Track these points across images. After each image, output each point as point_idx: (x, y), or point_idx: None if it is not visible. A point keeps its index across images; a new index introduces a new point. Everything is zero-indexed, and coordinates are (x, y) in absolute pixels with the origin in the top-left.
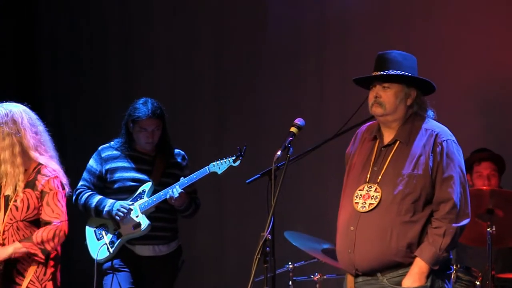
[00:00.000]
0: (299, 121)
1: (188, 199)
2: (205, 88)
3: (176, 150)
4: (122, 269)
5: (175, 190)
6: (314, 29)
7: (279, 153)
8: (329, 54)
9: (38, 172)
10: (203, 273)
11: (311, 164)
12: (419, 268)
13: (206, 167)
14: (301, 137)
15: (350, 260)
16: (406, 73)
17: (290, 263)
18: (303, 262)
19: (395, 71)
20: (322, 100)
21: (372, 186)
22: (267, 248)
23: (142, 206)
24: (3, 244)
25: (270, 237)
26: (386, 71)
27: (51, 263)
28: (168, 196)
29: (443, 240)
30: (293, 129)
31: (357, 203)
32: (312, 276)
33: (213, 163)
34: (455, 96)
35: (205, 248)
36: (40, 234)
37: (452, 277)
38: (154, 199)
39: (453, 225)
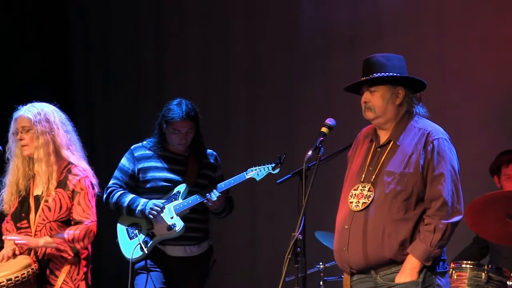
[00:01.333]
0: (330, 121)
1: (224, 202)
2: (237, 89)
3: (209, 151)
4: (153, 269)
5: (213, 194)
6: (346, 29)
7: (310, 153)
8: (360, 54)
9: (69, 171)
10: (234, 273)
11: (342, 164)
12: (410, 264)
13: (244, 172)
14: (332, 137)
15: (344, 258)
16: (387, 74)
17: (321, 263)
18: (334, 262)
19: (378, 74)
20: (353, 100)
21: (366, 185)
22: (298, 248)
23: (177, 207)
24: None
25: (301, 237)
26: (370, 76)
27: (84, 262)
28: (205, 200)
29: (433, 236)
30: (324, 129)
31: (351, 202)
32: (343, 276)
33: (251, 169)
34: (480, 98)
35: (236, 248)
36: (72, 232)
37: (483, 277)
38: (190, 202)
39: (443, 221)
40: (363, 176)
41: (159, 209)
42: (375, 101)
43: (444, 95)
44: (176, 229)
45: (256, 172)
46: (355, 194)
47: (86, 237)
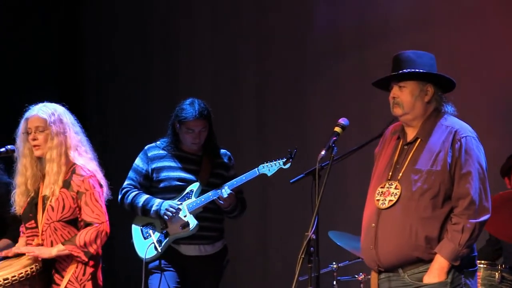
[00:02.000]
0: (343, 120)
1: (235, 200)
2: (248, 89)
3: (222, 150)
4: (167, 268)
5: (224, 191)
6: (357, 29)
7: (323, 153)
8: (372, 54)
9: (73, 172)
10: (247, 273)
11: (355, 163)
12: (439, 264)
13: (256, 168)
14: (345, 136)
15: (372, 256)
16: (417, 70)
17: (334, 262)
18: (347, 262)
19: (408, 70)
20: (366, 100)
21: (393, 183)
22: (311, 248)
23: (190, 206)
24: (42, 245)
25: (314, 237)
26: (400, 71)
27: (91, 263)
28: (217, 196)
29: (461, 236)
30: (337, 129)
31: (378, 200)
32: (356, 276)
33: (263, 164)
34: (491, 98)
35: (250, 247)
36: (82, 236)
37: (497, 277)
38: (203, 200)
39: (471, 220)
40: (390, 173)
41: (174, 210)
42: (404, 97)
43: (454, 96)
44: (190, 227)
45: (268, 168)
46: (381, 192)
47: (98, 238)
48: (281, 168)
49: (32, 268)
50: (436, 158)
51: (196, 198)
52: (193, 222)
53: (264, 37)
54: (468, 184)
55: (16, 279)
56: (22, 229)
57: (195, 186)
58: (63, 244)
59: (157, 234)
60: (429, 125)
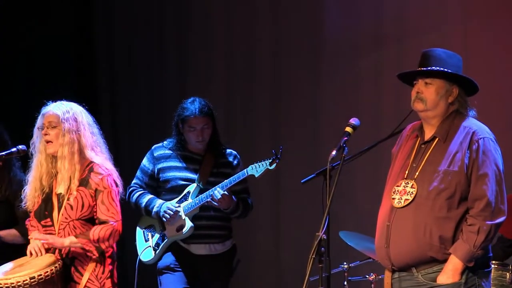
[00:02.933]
0: (354, 121)
1: (233, 201)
2: (261, 90)
3: (228, 150)
4: (177, 268)
5: (216, 192)
6: (371, 28)
7: (334, 153)
8: (385, 54)
9: (91, 170)
10: (258, 272)
11: (367, 163)
12: (453, 265)
13: (245, 169)
14: (357, 136)
15: (386, 255)
16: (448, 70)
17: (345, 263)
18: (358, 262)
19: (437, 67)
20: (378, 100)
21: (409, 182)
22: (322, 248)
23: (186, 208)
24: None
25: (325, 237)
26: (429, 67)
27: (109, 260)
28: (209, 198)
29: (477, 237)
30: (348, 129)
31: (394, 198)
32: (367, 276)
33: (252, 165)
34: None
35: (261, 247)
36: (97, 232)
37: (508, 277)
38: (197, 201)
39: (487, 222)
40: (407, 172)
41: (172, 212)
42: (429, 93)
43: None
44: (184, 230)
45: (255, 169)
46: (397, 191)
47: (112, 236)
48: (267, 169)
49: (56, 266)
50: (453, 159)
51: (193, 199)
52: (188, 225)
53: (279, 37)
54: (485, 186)
55: (42, 278)
56: (29, 223)
57: (192, 187)
58: (76, 236)
59: (156, 237)
60: (448, 125)
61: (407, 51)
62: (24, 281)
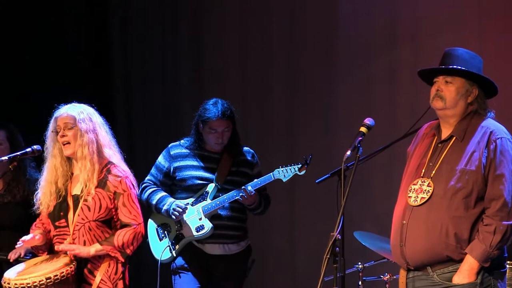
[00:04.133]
0: (368, 120)
1: (258, 198)
2: (276, 90)
3: (245, 148)
4: (191, 268)
5: (246, 191)
6: (385, 28)
7: (348, 153)
8: (400, 54)
9: (108, 171)
10: (273, 272)
11: (381, 163)
12: (469, 265)
13: (271, 173)
14: (371, 137)
15: (401, 253)
16: (469, 70)
17: (359, 263)
18: (373, 262)
19: (459, 66)
20: (393, 100)
21: (426, 180)
22: (337, 248)
23: (205, 208)
24: (73, 244)
25: (339, 237)
26: (451, 66)
27: (122, 261)
28: (239, 196)
29: (493, 238)
30: (362, 129)
31: (410, 197)
32: (382, 276)
33: (278, 169)
34: None
35: (276, 247)
36: (121, 237)
37: None
38: (218, 203)
39: (504, 222)
40: (423, 171)
41: (180, 210)
42: (449, 92)
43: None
44: (204, 231)
45: (283, 173)
46: (414, 189)
47: (135, 240)
48: (296, 174)
49: (71, 267)
50: (471, 158)
51: (211, 200)
52: (207, 226)
53: (293, 37)
54: (502, 186)
55: (57, 278)
56: (35, 223)
57: (210, 188)
58: (100, 244)
59: (172, 236)
60: (465, 124)
61: (421, 50)
62: (40, 281)
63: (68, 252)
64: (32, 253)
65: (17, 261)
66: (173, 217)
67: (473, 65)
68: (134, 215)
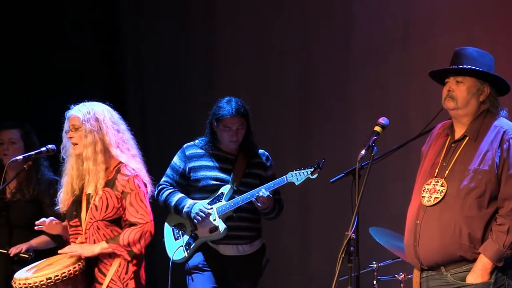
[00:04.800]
0: (383, 120)
1: (272, 203)
2: (290, 89)
3: (260, 151)
4: (205, 268)
5: (261, 193)
6: (399, 28)
7: (363, 152)
8: (414, 53)
9: (118, 171)
10: (287, 272)
11: (396, 163)
12: (482, 264)
13: (284, 176)
14: (386, 136)
15: (415, 253)
16: (480, 69)
17: (374, 262)
18: (387, 261)
19: (469, 66)
20: (407, 99)
21: (439, 180)
22: (351, 247)
23: (220, 209)
24: (85, 243)
25: (354, 236)
26: (461, 66)
27: (134, 261)
28: (254, 198)
29: (506, 237)
30: (377, 128)
31: (423, 197)
32: (396, 276)
33: (292, 172)
34: None
35: (290, 247)
36: (126, 236)
37: None
38: (232, 204)
39: None
40: (437, 171)
41: (204, 215)
42: (460, 92)
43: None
44: (218, 232)
45: (296, 176)
46: (427, 189)
47: (142, 238)
48: (308, 177)
49: (75, 267)
50: (484, 158)
51: (226, 201)
52: (222, 227)
53: (307, 36)
54: None
55: (59, 279)
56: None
57: (226, 189)
58: (106, 242)
59: (187, 236)
60: (479, 124)
61: (435, 50)
62: (41, 281)
63: (70, 255)
64: (35, 250)
65: (18, 256)
66: (195, 221)
67: (484, 63)
68: (141, 214)
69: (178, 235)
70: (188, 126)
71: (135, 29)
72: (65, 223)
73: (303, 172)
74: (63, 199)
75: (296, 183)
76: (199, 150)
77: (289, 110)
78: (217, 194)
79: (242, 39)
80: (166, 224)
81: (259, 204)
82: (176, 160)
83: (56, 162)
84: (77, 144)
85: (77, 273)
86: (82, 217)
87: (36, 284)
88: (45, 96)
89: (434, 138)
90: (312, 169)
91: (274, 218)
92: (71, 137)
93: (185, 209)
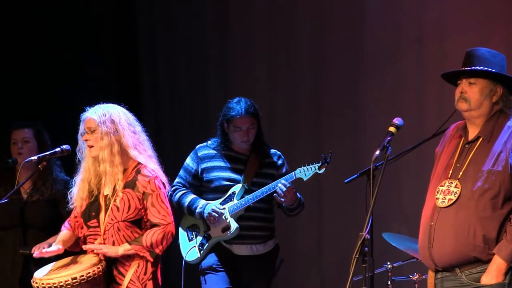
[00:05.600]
0: (397, 120)
1: (298, 197)
2: (303, 88)
3: (272, 150)
4: (220, 268)
5: (281, 185)
6: (412, 27)
7: (377, 152)
8: (428, 53)
9: (138, 172)
10: (301, 272)
11: (410, 163)
12: (497, 265)
13: (293, 172)
14: (400, 136)
15: (429, 255)
16: (492, 70)
17: (388, 262)
18: (401, 262)
19: (481, 67)
20: (421, 99)
21: (453, 181)
22: (366, 248)
23: (231, 209)
24: (104, 244)
25: (368, 237)
26: (473, 67)
27: (152, 262)
28: (271, 191)
29: None
30: (391, 129)
31: (437, 198)
32: (410, 276)
33: (300, 168)
34: None
35: (304, 247)
36: (149, 237)
37: None
38: (243, 203)
39: None
40: (450, 172)
41: (216, 215)
42: (473, 93)
43: None
44: (230, 231)
45: (304, 172)
46: (441, 190)
47: (164, 239)
48: (316, 172)
49: (99, 267)
50: (498, 158)
51: (238, 200)
52: (233, 226)
53: (320, 37)
54: None
55: (84, 279)
56: (72, 220)
57: (237, 188)
58: (129, 243)
59: (200, 237)
60: (492, 124)
61: (449, 50)
62: (66, 281)
63: (95, 252)
64: None
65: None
66: (208, 221)
67: (496, 63)
68: (163, 215)
69: (191, 236)
70: (202, 127)
71: (149, 30)
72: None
73: (310, 167)
74: (79, 196)
75: (305, 179)
76: (212, 151)
77: (303, 110)
78: (228, 194)
79: (256, 40)
80: (180, 226)
81: (282, 199)
82: (188, 161)
83: (65, 163)
84: (93, 146)
85: (100, 273)
86: (101, 218)
87: (61, 284)
88: (59, 97)
89: (447, 139)
90: (319, 164)
91: (297, 215)
92: (87, 140)
93: (198, 210)
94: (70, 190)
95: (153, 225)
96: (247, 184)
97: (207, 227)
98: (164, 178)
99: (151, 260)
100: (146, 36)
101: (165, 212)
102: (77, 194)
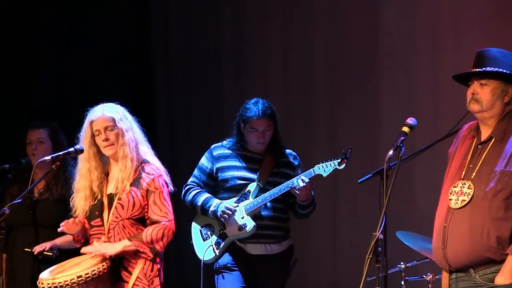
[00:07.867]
0: (411, 120)
1: (311, 195)
2: (319, 89)
3: (288, 150)
4: (233, 268)
5: (300, 181)
6: (428, 28)
7: (391, 152)
8: (442, 54)
9: (143, 169)
10: (315, 272)
11: (423, 163)
12: (510, 265)
13: (311, 169)
14: (414, 136)
15: (443, 256)
16: (503, 70)
17: (402, 262)
18: (415, 262)
19: (492, 68)
20: (435, 100)
21: (466, 182)
22: (379, 248)
23: (248, 207)
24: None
25: (382, 237)
26: (483, 68)
27: (157, 259)
28: (289, 187)
29: None
30: (405, 129)
31: (450, 199)
32: (424, 276)
33: (318, 165)
34: None
35: (317, 248)
36: (149, 233)
37: None
38: (260, 201)
39: None
40: (463, 173)
41: (230, 212)
42: (484, 94)
43: None
44: (247, 229)
45: (323, 168)
46: (454, 191)
47: (165, 236)
48: (336, 168)
49: (104, 265)
50: (510, 159)
51: (253, 198)
52: (250, 224)
53: (336, 37)
54: None
55: (89, 277)
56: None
57: (252, 186)
58: (129, 239)
59: (215, 236)
60: (504, 125)
61: (464, 50)
62: (71, 280)
63: (94, 255)
64: (59, 249)
65: (42, 255)
66: (222, 219)
67: (507, 63)
68: (164, 212)
69: (206, 236)
70: (217, 127)
71: (164, 32)
72: (81, 219)
73: (330, 164)
74: (82, 205)
75: (324, 175)
76: (227, 151)
77: (318, 111)
78: (243, 193)
79: (271, 40)
80: (193, 225)
81: (297, 192)
82: (203, 160)
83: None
84: (113, 144)
85: (105, 271)
86: (105, 216)
87: (66, 283)
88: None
89: (460, 140)
90: (339, 160)
91: (310, 214)
92: (107, 139)
93: (211, 209)
94: (72, 196)
95: (153, 222)
96: (262, 182)
97: (223, 226)
98: (167, 177)
99: (151, 256)
100: (162, 39)
101: (167, 209)
102: (79, 203)
